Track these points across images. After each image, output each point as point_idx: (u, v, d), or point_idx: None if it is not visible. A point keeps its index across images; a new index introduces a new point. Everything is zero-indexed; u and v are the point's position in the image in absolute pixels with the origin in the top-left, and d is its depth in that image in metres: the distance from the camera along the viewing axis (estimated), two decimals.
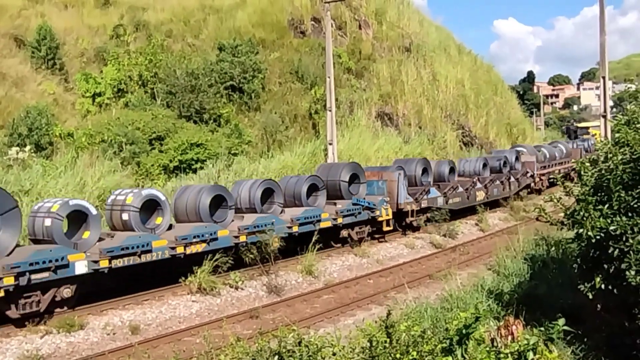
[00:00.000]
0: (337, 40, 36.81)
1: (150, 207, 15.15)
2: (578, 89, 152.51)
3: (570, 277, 9.38)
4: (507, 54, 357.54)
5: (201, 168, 24.83)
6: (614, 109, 66.15)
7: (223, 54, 32.04)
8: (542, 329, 4.98)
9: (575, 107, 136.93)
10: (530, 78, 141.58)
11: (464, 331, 4.91)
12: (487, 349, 4.96)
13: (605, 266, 7.67)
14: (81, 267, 12.83)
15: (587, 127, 76.92)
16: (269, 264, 16.14)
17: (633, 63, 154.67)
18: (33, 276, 11.98)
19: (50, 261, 12.22)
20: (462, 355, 4.87)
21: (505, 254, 14.54)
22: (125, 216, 14.52)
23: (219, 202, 16.42)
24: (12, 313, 12.04)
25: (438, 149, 36.69)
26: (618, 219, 7.45)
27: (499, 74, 57.62)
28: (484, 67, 52.54)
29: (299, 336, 5.49)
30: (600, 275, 7.70)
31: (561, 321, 4.95)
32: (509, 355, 4.78)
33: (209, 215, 15.92)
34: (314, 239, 17.18)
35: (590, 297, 7.85)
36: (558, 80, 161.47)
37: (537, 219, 9.76)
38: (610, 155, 7.94)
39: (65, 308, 12.86)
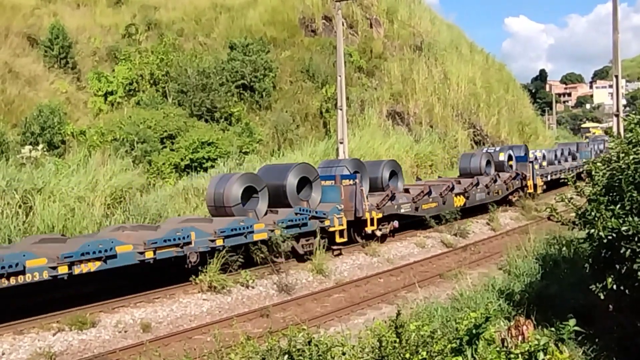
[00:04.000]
0: (348, 39, 36.80)
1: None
2: (591, 87, 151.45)
3: (582, 278, 9.31)
4: (519, 52, 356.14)
5: (212, 167, 24.92)
6: (627, 108, 66.00)
7: (234, 53, 32.14)
8: (553, 329, 4.97)
9: (587, 106, 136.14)
10: (542, 76, 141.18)
11: (474, 331, 4.91)
12: (498, 349, 4.96)
13: (617, 266, 7.60)
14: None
15: (589, 128, 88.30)
16: (280, 263, 16.18)
17: None
18: None
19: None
20: (472, 356, 4.86)
21: (517, 254, 14.45)
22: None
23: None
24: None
25: (449, 147, 36.59)
26: (630, 219, 7.37)
27: (511, 72, 57.46)
28: (496, 66, 52.34)
29: (308, 335, 5.50)
30: (612, 276, 7.64)
31: (572, 322, 4.94)
32: (520, 355, 4.77)
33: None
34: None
35: (602, 297, 7.78)
36: (570, 79, 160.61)
37: (548, 219, 9.69)
38: (623, 154, 7.86)
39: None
